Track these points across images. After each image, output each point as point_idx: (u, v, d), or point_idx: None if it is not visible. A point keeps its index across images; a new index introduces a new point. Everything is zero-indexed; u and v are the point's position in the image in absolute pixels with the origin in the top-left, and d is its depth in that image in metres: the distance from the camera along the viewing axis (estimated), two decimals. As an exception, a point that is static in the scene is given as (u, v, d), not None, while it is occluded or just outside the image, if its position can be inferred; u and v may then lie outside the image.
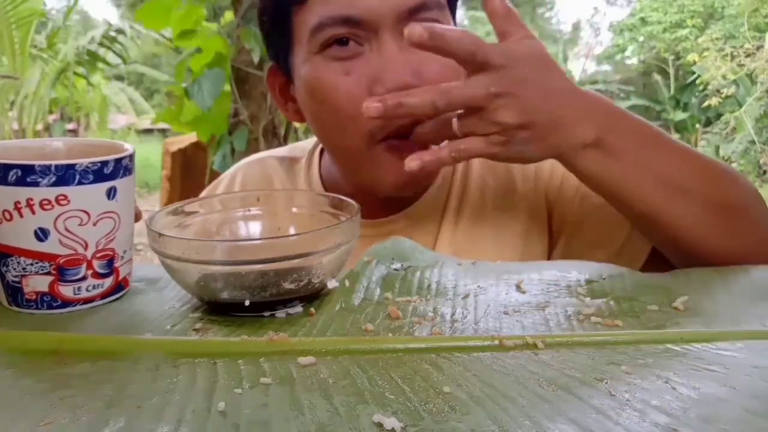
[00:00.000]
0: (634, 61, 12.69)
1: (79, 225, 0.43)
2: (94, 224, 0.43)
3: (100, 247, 0.44)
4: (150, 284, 0.49)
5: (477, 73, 0.50)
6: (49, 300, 0.43)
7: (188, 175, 4.00)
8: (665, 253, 0.58)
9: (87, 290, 0.44)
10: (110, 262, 0.45)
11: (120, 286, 0.46)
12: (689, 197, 0.53)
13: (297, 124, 2.77)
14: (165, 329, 0.40)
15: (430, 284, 0.48)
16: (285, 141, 2.71)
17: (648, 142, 0.54)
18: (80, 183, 0.42)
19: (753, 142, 6.95)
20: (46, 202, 0.41)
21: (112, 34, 6.03)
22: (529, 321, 0.40)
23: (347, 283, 0.47)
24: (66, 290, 0.43)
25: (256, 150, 2.72)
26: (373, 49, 0.58)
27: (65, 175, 0.41)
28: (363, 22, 0.58)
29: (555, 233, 0.67)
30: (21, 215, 0.41)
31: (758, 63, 6.88)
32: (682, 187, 0.53)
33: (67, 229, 0.42)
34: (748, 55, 7.15)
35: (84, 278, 0.44)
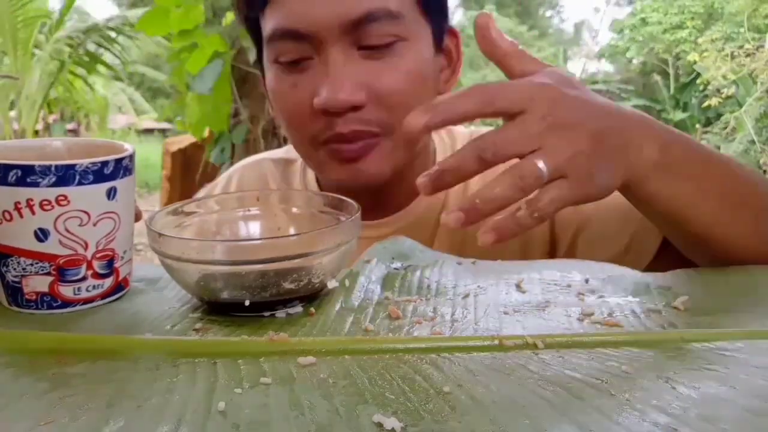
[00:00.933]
0: (634, 61, 12.69)
1: (79, 225, 0.43)
2: (94, 224, 0.43)
3: (100, 248, 0.44)
4: (150, 284, 0.49)
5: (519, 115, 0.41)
6: (49, 300, 0.43)
7: (188, 175, 4.00)
8: (692, 257, 0.54)
9: (87, 290, 0.44)
10: (110, 263, 0.45)
11: (120, 287, 0.46)
12: (742, 209, 0.51)
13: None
14: (165, 329, 0.40)
15: (430, 284, 0.48)
16: (285, 141, 2.71)
17: (699, 156, 0.50)
18: (80, 183, 0.42)
19: (753, 142, 6.95)
20: (46, 202, 0.41)
21: (111, 34, 6.02)
22: (529, 321, 0.40)
23: (347, 283, 0.47)
24: (66, 290, 0.43)
25: (255, 149, 2.72)
26: (321, 61, 0.59)
27: (65, 176, 0.41)
28: (308, 35, 0.58)
29: (557, 234, 0.67)
30: (21, 215, 0.41)
31: (758, 63, 6.88)
32: (736, 200, 0.51)
33: (67, 230, 0.42)
34: (748, 56, 7.15)
35: (84, 278, 0.44)
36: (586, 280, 0.48)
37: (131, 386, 0.32)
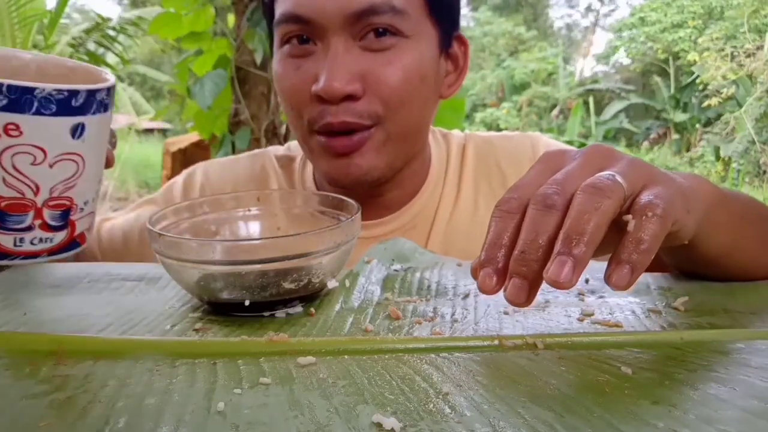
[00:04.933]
0: (634, 61, 12.70)
1: (31, 164, 0.35)
2: (51, 166, 0.36)
3: (54, 194, 0.37)
4: (150, 284, 0.49)
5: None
6: None
7: (188, 174, 4.00)
8: (700, 275, 0.51)
9: (32, 243, 0.38)
10: (65, 213, 0.38)
11: (74, 243, 0.39)
12: None
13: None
14: (165, 329, 0.40)
15: (430, 284, 0.48)
16: (285, 141, 2.72)
17: (737, 207, 0.48)
18: (39, 113, 0.34)
19: (753, 142, 6.95)
20: None
21: (111, 33, 6.02)
22: (529, 321, 0.40)
23: (347, 283, 0.47)
24: (5, 240, 0.37)
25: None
26: (323, 50, 0.60)
27: (20, 100, 0.33)
28: (311, 22, 0.59)
29: None
30: None
31: (758, 63, 6.89)
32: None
33: (14, 167, 0.35)
34: (748, 56, 7.15)
35: (29, 228, 0.37)
36: (586, 280, 0.48)
37: (131, 386, 0.32)
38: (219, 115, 2.72)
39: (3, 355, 0.36)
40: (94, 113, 0.36)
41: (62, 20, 6.36)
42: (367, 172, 0.63)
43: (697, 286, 0.48)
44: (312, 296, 0.44)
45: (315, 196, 0.52)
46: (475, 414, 0.28)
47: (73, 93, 0.35)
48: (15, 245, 0.37)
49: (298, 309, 0.43)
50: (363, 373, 0.33)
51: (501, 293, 0.35)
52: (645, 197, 0.35)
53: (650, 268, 0.37)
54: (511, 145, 0.75)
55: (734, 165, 7.20)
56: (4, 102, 0.33)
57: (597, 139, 10.29)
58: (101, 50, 6.35)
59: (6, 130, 0.33)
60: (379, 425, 0.27)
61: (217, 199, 0.52)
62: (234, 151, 2.79)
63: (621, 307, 0.42)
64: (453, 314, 0.41)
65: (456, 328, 0.39)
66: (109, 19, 5.95)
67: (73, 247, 0.39)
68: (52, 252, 0.38)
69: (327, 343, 0.37)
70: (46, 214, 0.37)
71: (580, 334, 0.37)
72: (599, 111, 11.24)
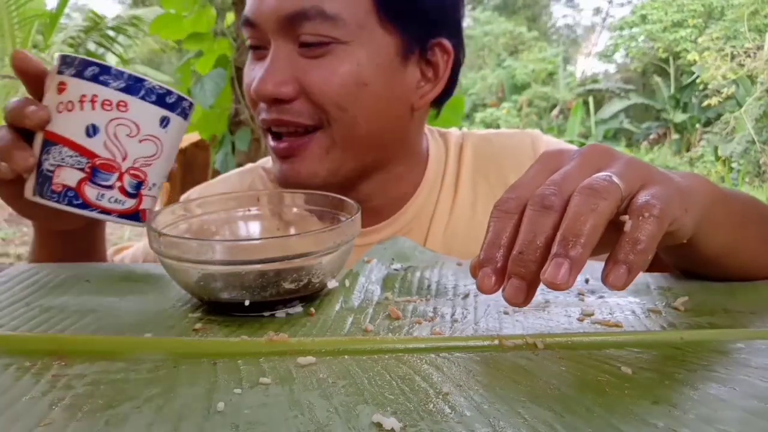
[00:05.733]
0: (633, 60, 12.70)
1: (127, 135, 0.46)
2: (140, 141, 0.46)
3: (136, 165, 0.46)
4: (150, 284, 0.49)
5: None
6: (72, 197, 0.46)
7: (189, 174, 4.00)
8: (700, 275, 0.51)
9: (109, 201, 0.46)
10: (139, 185, 0.47)
11: (138, 214, 0.47)
12: None
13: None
14: (165, 329, 0.40)
15: (430, 284, 0.48)
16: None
17: (738, 207, 0.48)
18: (143, 98, 0.46)
19: (753, 142, 6.95)
20: (107, 102, 0.45)
21: (111, 33, 6.01)
22: (529, 321, 0.40)
23: (347, 283, 0.47)
24: (91, 192, 0.46)
25: (258, 150, 2.72)
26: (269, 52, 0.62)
27: (134, 86, 0.45)
28: (257, 26, 0.62)
29: None
30: (82, 108, 0.45)
31: (758, 63, 6.89)
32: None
33: (115, 135, 0.45)
34: (748, 55, 7.15)
35: (111, 187, 0.46)
36: (586, 280, 0.48)
37: (131, 386, 0.32)
38: (219, 116, 2.72)
39: (3, 355, 0.36)
40: (177, 114, 0.48)
41: (61, 20, 6.36)
42: (307, 177, 0.63)
43: (697, 286, 0.48)
44: (312, 296, 0.44)
45: (315, 196, 0.52)
46: (475, 414, 0.28)
47: (169, 92, 0.47)
48: (96, 198, 0.46)
49: (298, 309, 0.43)
50: (363, 373, 0.33)
51: (499, 293, 0.35)
52: (642, 197, 0.35)
53: (650, 268, 0.37)
54: (512, 143, 0.74)
55: (734, 165, 7.21)
56: (122, 85, 0.45)
57: (597, 139, 10.29)
58: (101, 50, 6.34)
59: (118, 105, 0.45)
60: (379, 425, 0.27)
61: (217, 200, 0.52)
62: (234, 152, 2.79)
63: (621, 307, 0.42)
64: (453, 314, 0.41)
65: (456, 328, 0.39)
66: (105, 18, 5.94)
67: (136, 218, 0.48)
68: (120, 215, 0.47)
69: (327, 343, 0.37)
70: (126, 179, 0.46)
71: (580, 334, 0.37)
72: (599, 111, 11.25)
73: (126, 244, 0.81)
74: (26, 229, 5.31)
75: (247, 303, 0.41)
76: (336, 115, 0.61)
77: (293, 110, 0.61)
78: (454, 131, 0.78)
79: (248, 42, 0.65)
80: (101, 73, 0.45)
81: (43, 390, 0.31)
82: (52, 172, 0.46)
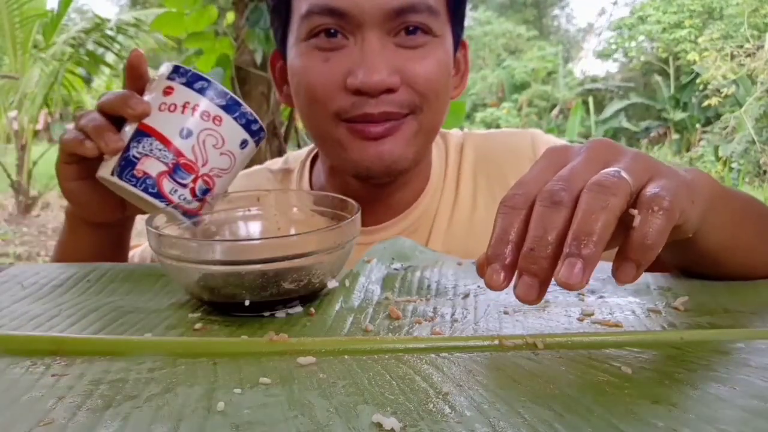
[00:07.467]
0: (634, 60, 12.70)
1: (213, 146, 0.51)
2: (221, 154, 0.51)
3: (211, 173, 0.51)
4: (150, 284, 0.49)
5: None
6: (150, 185, 0.50)
7: (188, 174, 3.99)
8: (698, 273, 0.51)
9: (179, 198, 0.50)
10: (206, 191, 0.51)
11: (195, 216, 0.51)
12: None
13: (299, 124, 2.78)
14: (165, 329, 0.40)
15: (430, 284, 0.48)
16: (285, 141, 2.71)
17: (737, 203, 0.48)
18: (236, 119, 0.51)
19: (753, 142, 6.95)
20: (206, 114, 0.51)
21: (110, 33, 6.00)
22: (529, 321, 0.40)
23: (347, 283, 0.47)
24: (167, 186, 0.50)
25: (259, 150, 2.72)
26: (357, 43, 0.60)
27: (232, 106, 0.51)
28: (348, 15, 0.59)
29: None
30: (183, 112, 0.51)
31: (758, 63, 6.88)
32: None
33: (203, 142, 0.50)
34: (748, 55, 7.15)
35: (185, 186, 0.50)
36: (586, 280, 0.48)
37: (131, 386, 0.32)
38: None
39: (3, 355, 0.36)
40: (254, 140, 0.53)
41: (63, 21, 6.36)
42: (397, 159, 0.63)
43: (697, 285, 0.48)
44: (312, 296, 0.44)
45: (315, 197, 0.52)
46: (475, 414, 0.28)
47: (256, 120, 0.53)
48: (170, 192, 0.50)
49: (298, 309, 0.43)
50: (363, 373, 0.33)
51: (500, 292, 0.35)
52: (650, 190, 0.34)
53: (650, 268, 0.37)
54: (512, 142, 0.75)
55: (734, 165, 7.20)
56: (223, 102, 0.51)
57: (597, 138, 10.24)
58: (101, 50, 6.34)
59: (214, 119, 0.51)
60: (379, 425, 0.27)
61: (217, 200, 0.52)
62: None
63: (621, 307, 0.42)
64: (453, 314, 0.41)
65: (456, 328, 0.39)
66: (108, 20, 5.94)
67: (192, 218, 0.51)
68: (184, 212, 0.50)
69: (327, 343, 0.37)
70: (199, 183, 0.51)
71: (580, 334, 0.37)
72: (599, 110, 11.24)
73: (134, 243, 0.81)
74: (26, 229, 5.31)
75: (247, 303, 0.41)
76: (431, 102, 0.63)
77: (396, 100, 0.61)
78: (455, 132, 0.78)
79: (309, 29, 0.61)
80: (208, 88, 0.51)
81: (43, 390, 0.31)
82: (138, 159, 0.50)
